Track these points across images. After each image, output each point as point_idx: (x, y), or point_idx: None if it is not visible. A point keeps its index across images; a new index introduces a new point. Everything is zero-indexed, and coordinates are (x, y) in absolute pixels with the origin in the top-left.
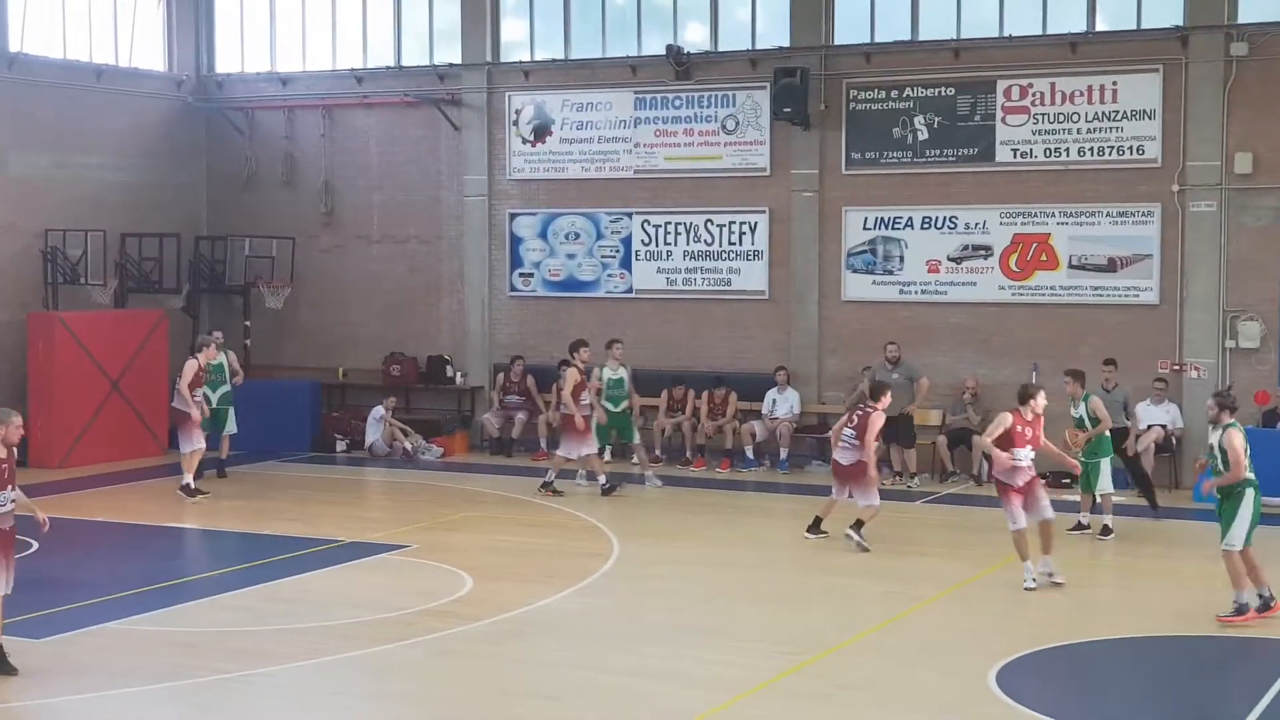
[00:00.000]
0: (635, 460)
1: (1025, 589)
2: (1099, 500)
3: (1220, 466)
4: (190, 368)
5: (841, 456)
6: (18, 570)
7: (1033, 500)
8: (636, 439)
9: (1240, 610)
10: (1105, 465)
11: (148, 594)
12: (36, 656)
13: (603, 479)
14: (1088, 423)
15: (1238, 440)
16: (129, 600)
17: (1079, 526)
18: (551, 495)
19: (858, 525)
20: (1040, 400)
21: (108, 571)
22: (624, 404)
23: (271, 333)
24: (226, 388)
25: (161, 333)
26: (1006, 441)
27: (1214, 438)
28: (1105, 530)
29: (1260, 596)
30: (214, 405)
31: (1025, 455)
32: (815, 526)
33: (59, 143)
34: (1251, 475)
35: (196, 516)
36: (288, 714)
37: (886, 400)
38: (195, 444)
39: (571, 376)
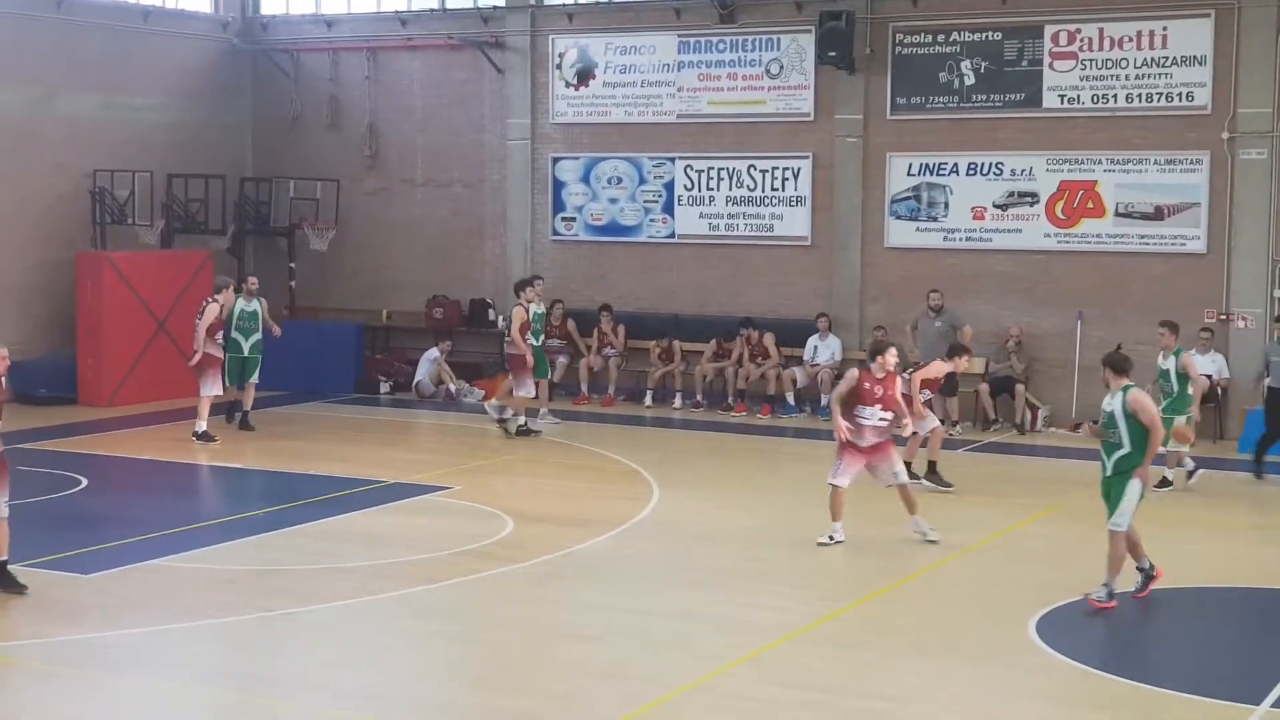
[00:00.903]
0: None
1: (818, 543)
2: (1165, 454)
3: (1124, 438)
4: (212, 312)
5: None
6: (64, 507)
7: (883, 463)
8: (549, 374)
9: (1110, 596)
10: (1179, 422)
11: (192, 532)
12: (83, 592)
13: (522, 420)
14: (1173, 378)
15: (1149, 401)
16: (174, 538)
17: (1164, 483)
18: (529, 435)
19: (930, 470)
20: (890, 357)
21: (153, 509)
22: (542, 338)
23: (316, 275)
24: (259, 336)
25: (207, 273)
26: (854, 399)
27: (1111, 403)
28: (1164, 482)
29: (1141, 570)
30: (245, 353)
31: (873, 414)
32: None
33: (106, 84)
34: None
35: (241, 456)
36: (329, 652)
37: (961, 362)
38: (215, 389)
39: (518, 316)
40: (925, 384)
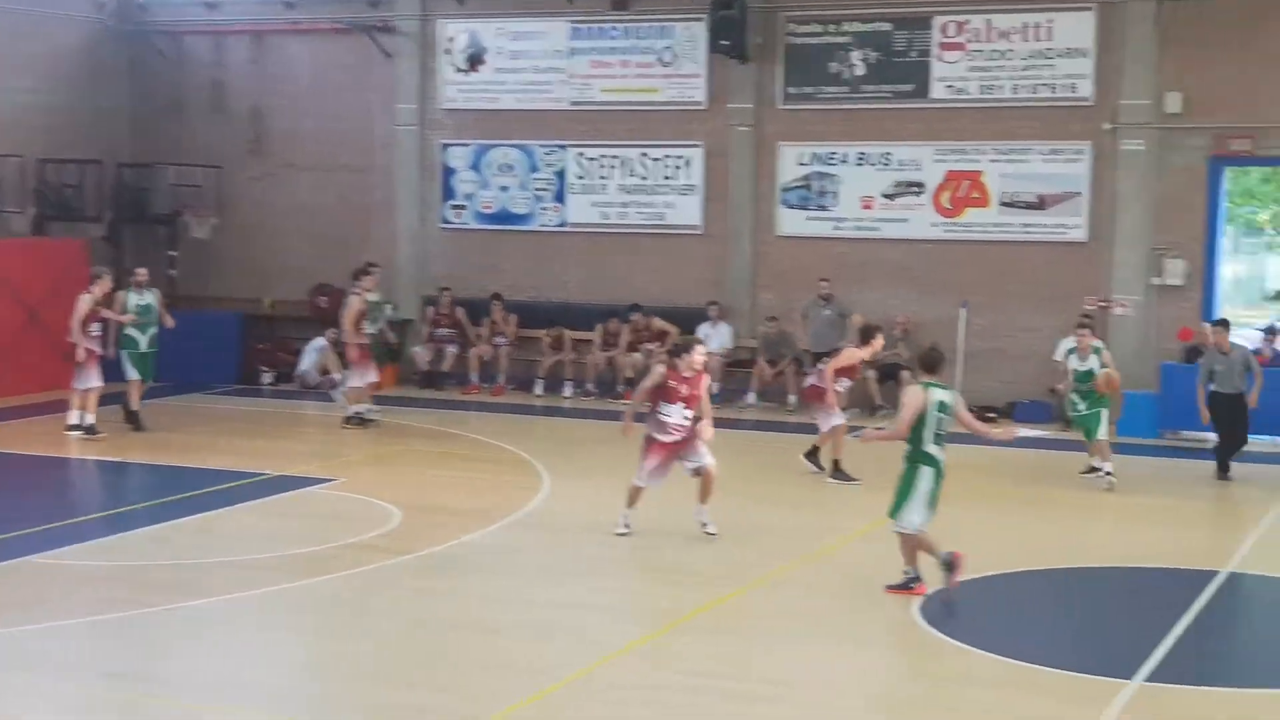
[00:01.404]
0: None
1: (616, 534)
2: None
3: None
4: (83, 303)
5: (808, 380)
6: None
7: (691, 452)
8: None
9: (911, 583)
10: (1105, 415)
11: (70, 527)
12: None
13: (363, 408)
14: (1097, 374)
15: (911, 399)
16: (51, 534)
17: (1091, 470)
18: (360, 426)
19: (835, 467)
20: (696, 356)
21: (28, 505)
22: (379, 326)
23: (197, 263)
24: (155, 330)
25: (83, 262)
26: (659, 397)
27: None
28: (1107, 474)
29: (906, 574)
30: (144, 349)
31: (677, 412)
32: (812, 454)
33: None
34: (932, 451)
35: (118, 450)
36: (212, 649)
37: (876, 344)
38: (90, 382)
39: (354, 305)
40: (842, 372)
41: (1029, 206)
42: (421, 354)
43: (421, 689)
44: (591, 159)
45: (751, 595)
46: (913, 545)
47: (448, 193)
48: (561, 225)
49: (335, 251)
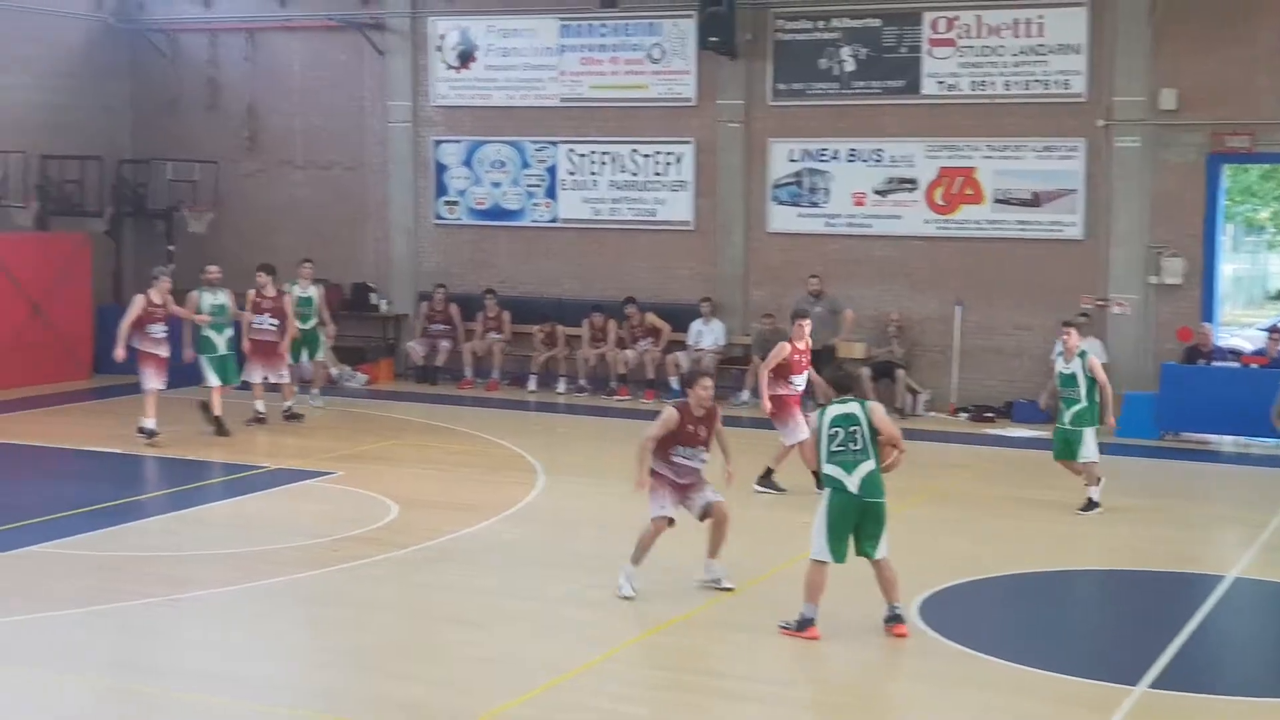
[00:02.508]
0: (313, 375)
1: (622, 596)
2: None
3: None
4: (135, 305)
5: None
6: None
7: (697, 494)
8: (321, 355)
9: (802, 625)
10: (1090, 434)
11: (71, 518)
12: None
13: (259, 405)
14: (1080, 381)
15: (812, 421)
16: (52, 524)
17: (1090, 505)
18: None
19: (765, 474)
20: (702, 390)
21: (30, 495)
22: (312, 321)
23: (194, 258)
24: (231, 330)
25: (84, 256)
26: (670, 440)
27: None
28: (1090, 504)
29: (800, 613)
30: (222, 350)
31: (694, 455)
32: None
33: None
34: (830, 471)
35: (120, 442)
36: (211, 638)
37: (799, 331)
38: (154, 384)
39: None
40: (780, 371)
41: (1024, 204)
42: (416, 349)
43: (417, 682)
44: (582, 155)
45: (750, 594)
46: (812, 579)
47: (440, 189)
48: (553, 221)
49: (330, 247)
